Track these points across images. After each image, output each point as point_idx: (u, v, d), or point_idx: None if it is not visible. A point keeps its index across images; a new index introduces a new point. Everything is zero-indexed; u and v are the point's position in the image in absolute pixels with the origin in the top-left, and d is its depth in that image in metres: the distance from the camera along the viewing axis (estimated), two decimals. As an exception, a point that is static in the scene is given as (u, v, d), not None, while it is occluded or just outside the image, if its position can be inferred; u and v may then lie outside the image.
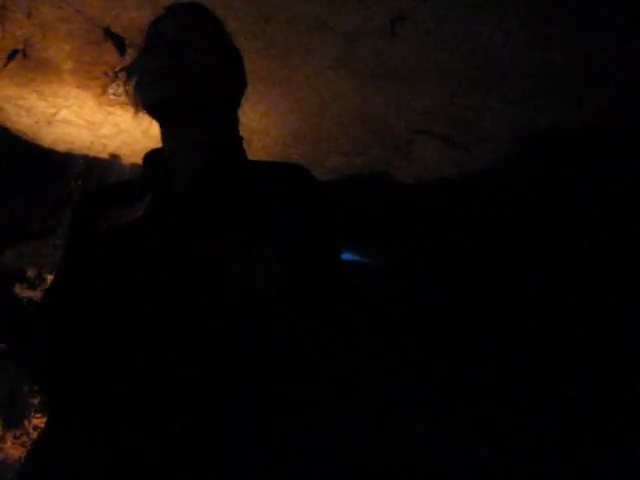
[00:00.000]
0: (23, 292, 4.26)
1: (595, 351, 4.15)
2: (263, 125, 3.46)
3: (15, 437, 4.11)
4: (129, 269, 1.21)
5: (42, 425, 4.13)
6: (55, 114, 3.61)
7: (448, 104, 3.20)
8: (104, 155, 4.04)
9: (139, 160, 4.02)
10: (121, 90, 3.24)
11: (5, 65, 3.18)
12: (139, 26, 2.89)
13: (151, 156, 1.38)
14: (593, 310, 4.19)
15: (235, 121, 1.40)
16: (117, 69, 3.17)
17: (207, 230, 1.16)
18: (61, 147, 4.05)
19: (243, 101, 1.42)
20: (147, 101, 1.30)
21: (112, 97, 3.32)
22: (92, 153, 4.04)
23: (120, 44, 3.05)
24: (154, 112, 1.32)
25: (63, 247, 1.38)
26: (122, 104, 3.35)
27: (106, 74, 3.20)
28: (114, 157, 4.03)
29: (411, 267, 4.81)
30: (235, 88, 1.39)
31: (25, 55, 3.13)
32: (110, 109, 3.44)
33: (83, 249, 1.29)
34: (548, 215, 4.00)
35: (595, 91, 2.95)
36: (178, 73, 1.26)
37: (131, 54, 3.09)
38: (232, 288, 1.08)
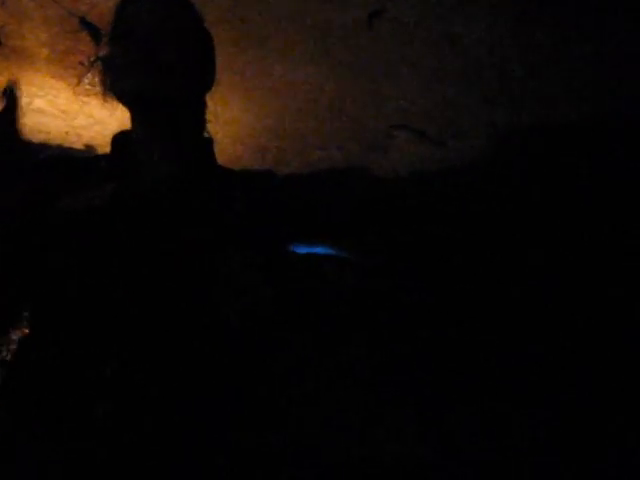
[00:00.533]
0: None
1: (595, 350, 4.17)
2: (239, 118, 3.44)
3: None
4: (100, 258, 1.17)
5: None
6: (29, 103, 3.56)
7: (425, 100, 3.21)
8: (79, 145, 4.00)
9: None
10: (97, 80, 3.20)
11: (-21, 53, 3.14)
12: (115, 15, 2.87)
13: (120, 139, 1.34)
14: (593, 306, 4.20)
15: (204, 116, 1.37)
16: (93, 59, 3.13)
17: (194, 239, 1.16)
18: (36, 137, 4.00)
19: (215, 94, 1.39)
20: (123, 92, 1.26)
21: (87, 87, 3.28)
22: (67, 143, 3.99)
23: (96, 34, 3.01)
24: (130, 104, 1.28)
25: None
26: (97, 94, 3.31)
27: (81, 64, 3.16)
28: (89, 147, 3.99)
29: (390, 261, 4.82)
30: (209, 78, 1.36)
31: (0, 43, 3.09)
32: (85, 99, 3.41)
33: (40, 222, 1.23)
34: (527, 209, 4.02)
35: (575, 90, 2.96)
36: (156, 64, 1.22)
37: (106, 44, 3.05)
38: (221, 303, 1.09)
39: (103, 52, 3.11)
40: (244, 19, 2.72)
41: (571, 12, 2.47)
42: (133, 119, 1.32)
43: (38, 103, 3.55)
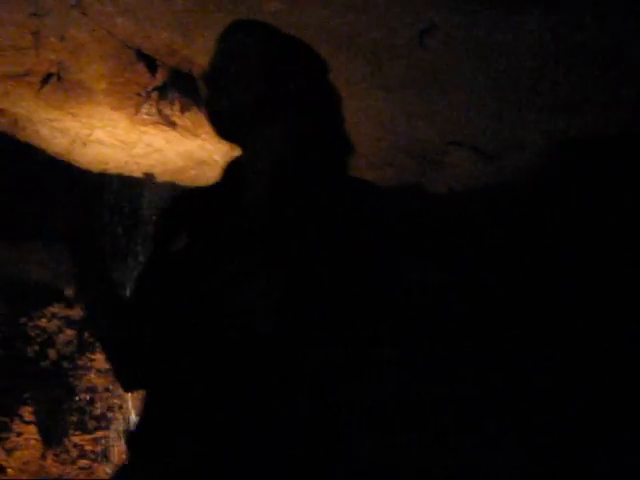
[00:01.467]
0: (61, 311, 4.32)
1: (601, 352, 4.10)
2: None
3: (55, 455, 4.16)
4: (181, 285, 1.27)
5: (82, 443, 4.18)
6: (89, 135, 3.66)
7: (479, 113, 3.19)
8: (138, 174, 4.08)
9: (172, 178, 4.08)
10: (154, 110, 3.28)
11: (40, 88, 3.24)
12: (169, 46, 2.94)
13: (230, 166, 1.41)
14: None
15: (308, 130, 1.40)
16: (149, 89, 3.21)
17: (228, 252, 1.21)
18: (95, 167, 4.10)
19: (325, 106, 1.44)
20: (211, 116, 1.36)
21: (145, 117, 3.36)
22: (126, 172, 4.08)
23: (151, 65, 3.09)
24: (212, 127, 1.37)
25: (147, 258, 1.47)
26: (155, 123, 3.39)
27: (139, 94, 3.24)
28: (148, 176, 4.07)
29: (447, 278, 4.78)
30: (288, 96, 1.38)
31: (59, 78, 3.18)
32: (143, 129, 3.48)
33: (158, 261, 1.37)
34: (588, 223, 3.95)
35: (630, 97, 2.92)
36: (223, 90, 1.32)
37: (162, 74, 3.13)
38: (230, 315, 1.12)
39: (159, 83, 3.20)
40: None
41: (618, 17, 2.43)
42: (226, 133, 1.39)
43: (98, 134, 3.64)
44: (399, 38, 2.67)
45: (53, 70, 3.15)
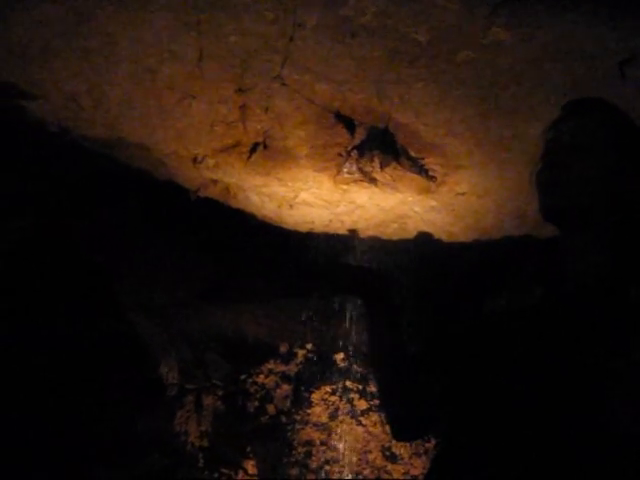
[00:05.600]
0: (277, 367, 4.47)
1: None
2: (496, 186, 3.39)
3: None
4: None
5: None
6: (295, 197, 3.81)
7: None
8: (342, 231, 4.18)
9: (375, 233, 4.15)
10: (354, 168, 3.36)
11: (249, 158, 3.44)
12: (366, 106, 3.02)
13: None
14: None
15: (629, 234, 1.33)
16: (349, 148, 3.30)
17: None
18: (302, 227, 4.25)
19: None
20: (541, 208, 1.35)
21: (346, 175, 3.44)
22: (331, 230, 4.19)
23: (349, 125, 3.18)
24: (546, 219, 1.36)
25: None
26: (356, 181, 3.47)
27: (339, 155, 3.34)
28: (352, 232, 4.16)
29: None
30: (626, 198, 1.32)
31: (265, 146, 3.36)
32: (345, 187, 3.57)
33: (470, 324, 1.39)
34: None
35: None
36: (563, 184, 1.30)
37: (360, 133, 3.21)
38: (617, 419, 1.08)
39: (358, 142, 3.28)
40: (492, 90, 2.73)
41: None
42: (560, 227, 1.38)
43: (303, 196, 3.78)
44: (598, 72, 2.56)
45: (259, 139, 3.33)
